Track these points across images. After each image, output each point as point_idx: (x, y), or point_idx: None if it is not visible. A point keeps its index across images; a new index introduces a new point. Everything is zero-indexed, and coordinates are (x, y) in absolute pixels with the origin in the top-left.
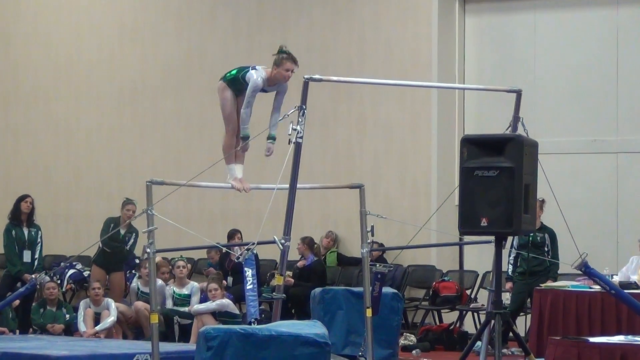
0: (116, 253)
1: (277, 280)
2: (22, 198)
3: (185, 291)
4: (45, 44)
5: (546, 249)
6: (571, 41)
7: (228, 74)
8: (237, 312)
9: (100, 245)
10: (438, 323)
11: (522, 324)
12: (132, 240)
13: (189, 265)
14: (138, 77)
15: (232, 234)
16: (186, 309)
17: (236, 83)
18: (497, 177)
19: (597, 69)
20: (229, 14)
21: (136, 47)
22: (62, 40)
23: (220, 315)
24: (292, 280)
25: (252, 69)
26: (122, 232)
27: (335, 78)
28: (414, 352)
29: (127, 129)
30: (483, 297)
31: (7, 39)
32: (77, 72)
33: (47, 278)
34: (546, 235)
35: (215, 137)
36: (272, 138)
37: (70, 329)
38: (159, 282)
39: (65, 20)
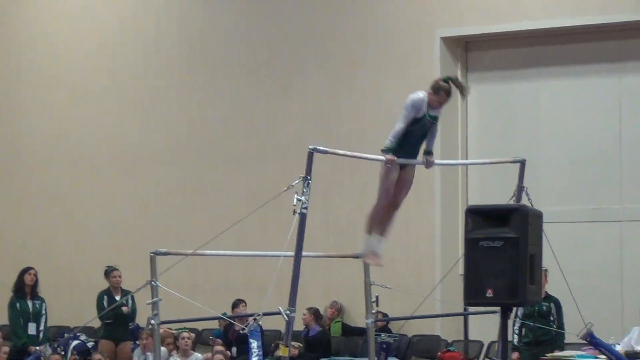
0: (119, 321)
1: (282, 351)
2: (26, 270)
3: None
4: (46, 112)
5: (552, 318)
6: (574, 110)
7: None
8: None
9: (102, 320)
10: None
11: None
12: (130, 302)
13: (193, 336)
14: (139, 145)
15: (237, 303)
16: None
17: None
18: (502, 248)
19: (600, 137)
20: (229, 83)
21: (137, 116)
22: (62, 109)
23: None
24: (297, 352)
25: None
26: (117, 298)
27: (340, 151)
28: None
29: (128, 198)
30: None
31: (8, 110)
32: (77, 141)
33: (50, 350)
34: (552, 305)
35: (216, 206)
36: (429, 152)
37: None
38: (163, 349)
39: (66, 88)
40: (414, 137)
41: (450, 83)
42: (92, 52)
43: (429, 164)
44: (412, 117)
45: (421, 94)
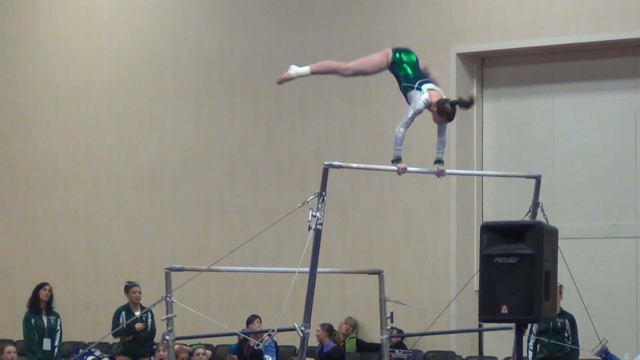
0: (139, 338)
1: None
2: (41, 286)
3: None
4: (65, 131)
5: (566, 334)
6: (589, 126)
7: (404, 55)
8: None
9: (116, 336)
10: None
11: None
12: (150, 320)
13: (209, 352)
14: (157, 163)
15: (251, 319)
16: None
17: (396, 68)
18: (517, 264)
19: (616, 153)
20: (247, 101)
21: (155, 134)
22: (81, 128)
23: None
24: None
25: (416, 89)
26: (137, 314)
27: (354, 165)
28: None
29: (145, 216)
30: None
31: (26, 127)
32: (96, 159)
33: None
34: (566, 321)
35: (234, 223)
36: (439, 161)
37: None
38: None
39: (85, 107)
40: None
41: (455, 108)
42: (110, 70)
43: (440, 173)
44: (413, 122)
45: (423, 105)
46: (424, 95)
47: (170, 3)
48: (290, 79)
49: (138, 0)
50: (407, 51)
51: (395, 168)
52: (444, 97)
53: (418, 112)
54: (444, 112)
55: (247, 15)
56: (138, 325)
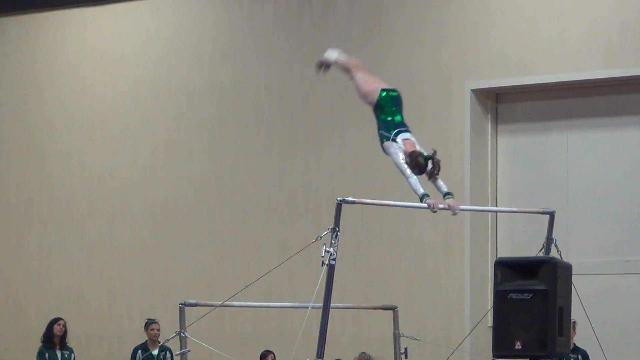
0: None
1: None
2: (55, 321)
3: None
4: (79, 165)
5: None
6: (604, 162)
7: (391, 92)
8: None
9: None
10: None
11: None
12: (169, 359)
13: None
14: (171, 197)
15: (265, 355)
16: None
17: (378, 110)
18: (531, 300)
19: (630, 189)
20: (261, 135)
21: (169, 168)
22: (95, 161)
23: None
24: None
25: (392, 140)
26: (155, 353)
27: (368, 200)
28: None
29: (160, 249)
30: None
31: (41, 160)
32: (110, 193)
33: None
34: (579, 357)
35: (247, 257)
36: (448, 194)
37: None
38: None
39: (99, 140)
40: None
41: (428, 162)
42: (125, 104)
43: (453, 208)
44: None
45: (399, 158)
46: (398, 146)
47: (185, 37)
48: (326, 64)
49: (153, 34)
50: (394, 92)
51: (406, 204)
52: (418, 149)
53: (400, 165)
54: (416, 164)
55: (262, 49)
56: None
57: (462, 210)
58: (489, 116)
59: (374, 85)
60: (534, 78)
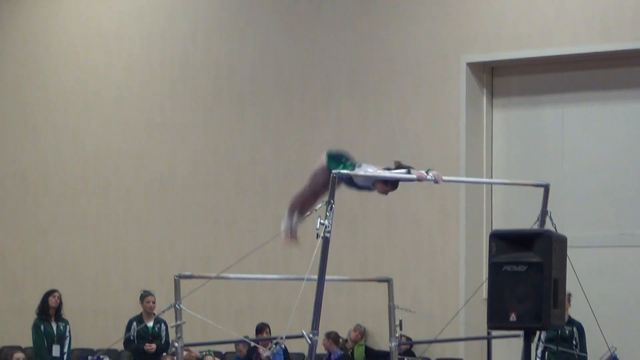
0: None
1: None
2: (50, 293)
3: None
4: (74, 140)
5: (574, 342)
6: (599, 135)
7: (335, 162)
8: None
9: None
10: None
11: None
12: (164, 332)
13: None
14: (166, 172)
15: (261, 328)
16: None
17: (334, 166)
18: (526, 272)
19: (625, 162)
20: (257, 109)
21: (165, 143)
22: (90, 136)
23: None
24: None
25: (358, 167)
26: (150, 325)
27: (362, 173)
28: None
29: (155, 224)
30: None
31: (36, 135)
32: (105, 167)
33: None
34: (574, 329)
35: (243, 231)
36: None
37: None
38: None
39: (94, 115)
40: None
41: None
42: (120, 78)
43: (437, 178)
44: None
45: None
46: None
47: (180, 12)
48: (293, 231)
49: (148, 9)
50: (338, 154)
51: (404, 176)
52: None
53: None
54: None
55: (257, 24)
56: (147, 347)
57: (455, 182)
58: (485, 90)
59: (318, 168)
60: (529, 52)
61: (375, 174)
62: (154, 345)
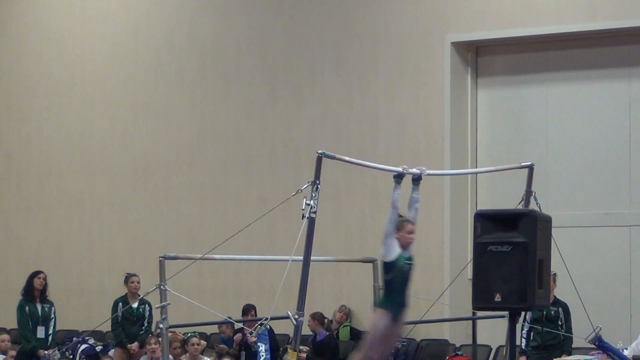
0: (135, 333)
1: (291, 356)
2: (35, 274)
3: None
4: (58, 119)
5: (560, 322)
6: (583, 115)
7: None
8: None
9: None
10: None
11: None
12: (148, 313)
13: (204, 343)
14: (151, 151)
15: (247, 309)
16: None
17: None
18: (510, 252)
19: (610, 142)
20: (242, 89)
21: (149, 122)
22: (75, 116)
23: None
24: (305, 356)
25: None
26: (135, 306)
27: (347, 158)
28: None
29: (139, 204)
30: None
31: (20, 114)
32: (90, 147)
33: (59, 354)
34: (560, 310)
35: (228, 211)
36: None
37: None
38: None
39: (79, 95)
40: (398, 284)
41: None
42: (105, 57)
43: (421, 170)
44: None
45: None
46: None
47: None
48: None
49: None
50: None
51: (389, 168)
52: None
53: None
54: (399, 223)
55: (243, 3)
56: (131, 346)
57: (443, 174)
58: (469, 69)
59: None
60: (514, 31)
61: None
62: (136, 344)
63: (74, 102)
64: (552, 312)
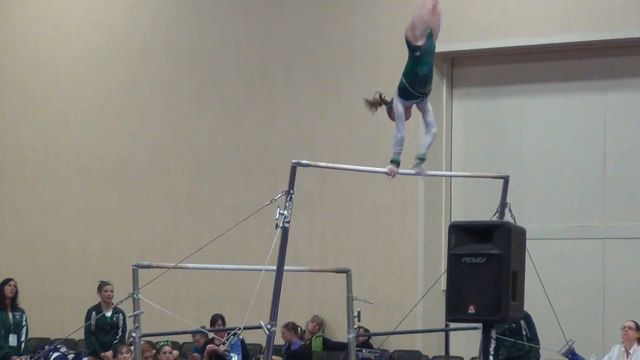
0: (109, 342)
1: None
2: (6, 282)
3: None
4: (32, 124)
5: (524, 332)
6: (559, 127)
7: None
8: None
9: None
10: None
11: None
12: (122, 322)
13: (176, 352)
14: (125, 158)
15: (214, 319)
16: None
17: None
18: (485, 264)
19: (585, 154)
20: (217, 94)
21: (124, 128)
22: (49, 121)
23: None
24: None
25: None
26: (109, 315)
27: (322, 164)
28: None
29: (114, 210)
30: None
31: None
32: (64, 152)
33: None
34: (521, 321)
35: (202, 219)
36: (420, 157)
37: None
38: None
39: (53, 100)
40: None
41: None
42: (80, 64)
43: (419, 172)
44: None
45: (399, 106)
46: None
47: None
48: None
49: None
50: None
51: (362, 168)
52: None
53: (401, 116)
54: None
55: (218, 10)
56: (105, 354)
57: (418, 174)
58: (445, 80)
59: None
60: (490, 42)
61: None
62: (110, 353)
63: (49, 108)
64: (514, 325)
